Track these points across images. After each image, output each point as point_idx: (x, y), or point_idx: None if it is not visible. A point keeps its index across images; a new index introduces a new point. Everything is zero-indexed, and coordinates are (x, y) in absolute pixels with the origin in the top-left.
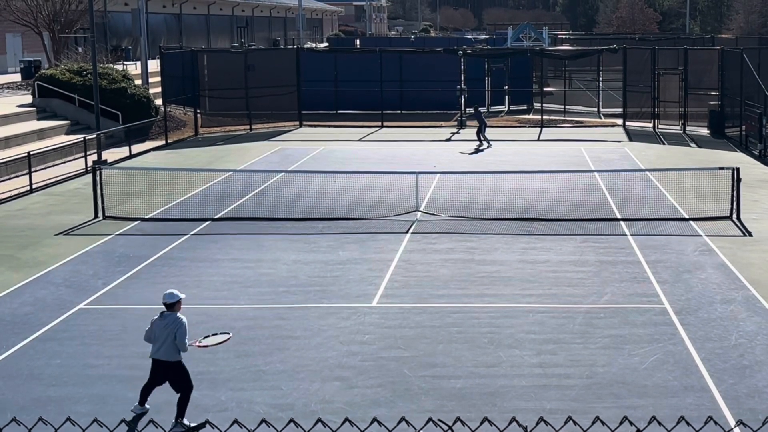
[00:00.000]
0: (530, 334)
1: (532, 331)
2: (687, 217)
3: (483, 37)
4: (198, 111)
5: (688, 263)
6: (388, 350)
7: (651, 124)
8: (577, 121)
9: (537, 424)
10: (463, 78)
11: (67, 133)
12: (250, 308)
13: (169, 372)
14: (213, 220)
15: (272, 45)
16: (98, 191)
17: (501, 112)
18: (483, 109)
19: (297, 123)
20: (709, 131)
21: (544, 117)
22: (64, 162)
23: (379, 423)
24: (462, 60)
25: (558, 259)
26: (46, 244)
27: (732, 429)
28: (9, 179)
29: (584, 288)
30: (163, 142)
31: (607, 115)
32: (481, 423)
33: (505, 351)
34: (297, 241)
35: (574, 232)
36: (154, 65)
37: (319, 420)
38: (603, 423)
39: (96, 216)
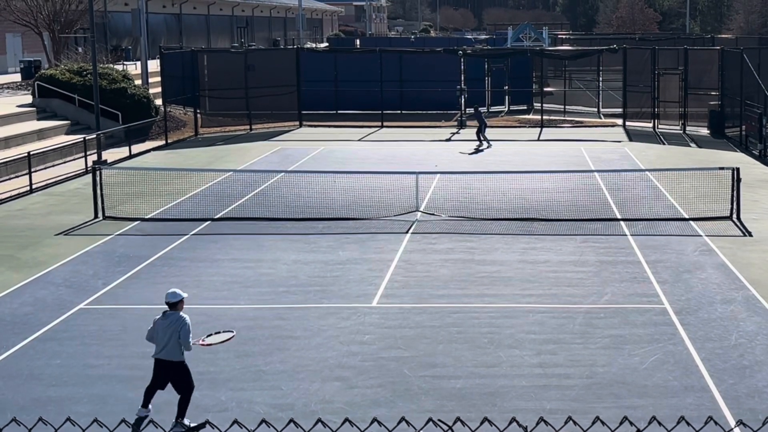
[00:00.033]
0: (530, 334)
1: (532, 331)
2: (687, 217)
3: (483, 37)
4: (198, 111)
5: (688, 263)
6: (388, 350)
7: (651, 124)
8: (577, 121)
9: (537, 424)
10: (463, 78)
11: (67, 133)
12: (250, 308)
13: (172, 372)
14: (213, 220)
15: (272, 45)
16: (98, 191)
17: (501, 112)
18: (483, 109)
19: (297, 123)
20: (709, 131)
21: (544, 117)
22: (64, 162)
23: (379, 423)
24: (462, 60)
25: (558, 259)
26: (46, 244)
27: (732, 429)
28: (9, 179)
29: (584, 288)
30: (163, 142)
31: (607, 115)
32: (481, 423)
33: (505, 351)
34: (297, 241)
35: (574, 232)
36: (154, 65)
37: (319, 420)
38: (603, 423)
39: (96, 216)
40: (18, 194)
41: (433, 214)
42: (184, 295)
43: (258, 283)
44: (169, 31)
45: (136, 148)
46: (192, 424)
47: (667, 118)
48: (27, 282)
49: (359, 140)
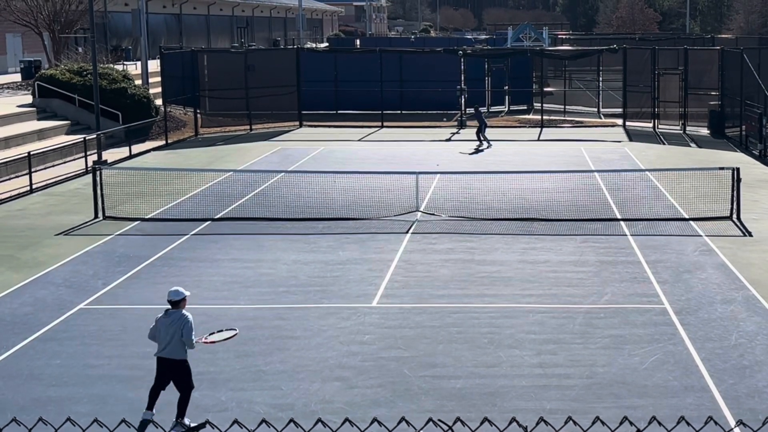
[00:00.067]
0: (530, 335)
1: (532, 331)
2: (687, 217)
3: (483, 37)
4: (198, 111)
5: (688, 263)
6: (388, 350)
7: (651, 124)
8: (577, 121)
9: (537, 424)
10: (463, 78)
11: (67, 134)
12: (250, 308)
13: (174, 370)
14: (213, 220)
15: (272, 45)
16: (98, 191)
17: (501, 112)
18: (483, 109)
19: (297, 123)
20: (709, 131)
21: (544, 117)
22: (64, 162)
23: (379, 423)
24: (462, 60)
25: (558, 260)
26: (46, 244)
27: (732, 429)
28: (9, 179)
29: (584, 288)
30: (163, 143)
31: (607, 115)
32: (481, 423)
33: (505, 351)
34: (297, 242)
35: (574, 233)
36: (154, 65)
37: (319, 420)
38: (603, 423)
39: (96, 216)
40: (18, 194)
41: (433, 214)
42: (187, 293)
43: (258, 283)
44: (169, 31)
45: (137, 148)
46: (192, 424)
47: (667, 118)
48: (27, 282)
49: (359, 140)
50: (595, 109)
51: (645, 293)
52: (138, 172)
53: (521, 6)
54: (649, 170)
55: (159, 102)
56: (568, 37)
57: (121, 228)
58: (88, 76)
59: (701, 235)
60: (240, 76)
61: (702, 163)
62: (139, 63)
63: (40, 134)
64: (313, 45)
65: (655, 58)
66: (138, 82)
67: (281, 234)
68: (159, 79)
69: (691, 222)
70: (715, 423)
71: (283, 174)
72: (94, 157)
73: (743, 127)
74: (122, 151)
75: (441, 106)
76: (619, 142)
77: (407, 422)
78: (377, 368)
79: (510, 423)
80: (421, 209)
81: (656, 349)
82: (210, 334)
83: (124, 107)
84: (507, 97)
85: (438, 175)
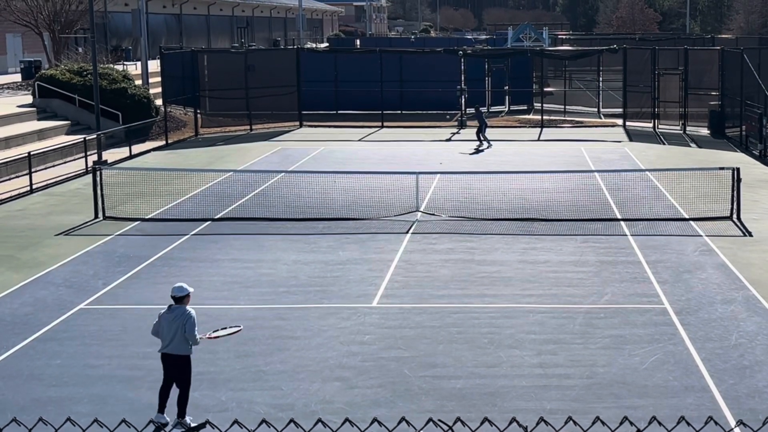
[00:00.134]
0: (530, 335)
1: (532, 331)
2: (687, 217)
3: (483, 37)
4: (198, 111)
5: (689, 263)
6: (389, 350)
7: (651, 125)
8: (577, 122)
9: (537, 424)
10: (463, 78)
11: (67, 134)
12: (251, 308)
13: (177, 366)
14: (213, 220)
15: (272, 45)
16: (98, 191)
17: (501, 112)
18: (483, 109)
19: (297, 123)
20: (709, 131)
21: (545, 117)
22: (65, 162)
23: (380, 423)
24: (462, 60)
25: (558, 260)
26: (46, 244)
27: (732, 429)
28: (9, 179)
29: (584, 288)
30: (163, 143)
31: (607, 116)
32: (482, 423)
33: (506, 351)
34: (297, 242)
35: (575, 233)
36: (154, 65)
37: (319, 420)
38: (603, 423)
39: (96, 216)
40: (18, 194)
41: (433, 215)
42: (190, 289)
43: (258, 283)
44: (169, 31)
45: (137, 148)
46: (192, 424)
47: (667, 118)
48: (27, 282)
49: (359, 140)
50: (595, 109)
51: (645, 293)
52: (138, 172)
53: (521, 6)
54: (649, 170)
55: (159, 102)
56: (568, 37)
57: (121, 228)
58: (88, 76)
59: (701, 235)
60: (240, 77)
61: (702, 163)
62: (139, 63)
63: (41, 134)
64: (313, 45)
65: (655, 58)
66: (138, 82)
67: (281, 234)
68: (159, 79)
69: (692, 222)
70: (716, 423)
71: (283, 174)
72: (95, 158)
73: (743, 127)
74: (122, 152)
75: (441, 106)
76: (619, 142)
77: (407, 422)
78: (377, 368)
79: (510, 423)
80: (421, 209)
81: (656, 349)
82: (214, 331)
83: (124, 107)
84: (507, 97)
85: (438, 175)
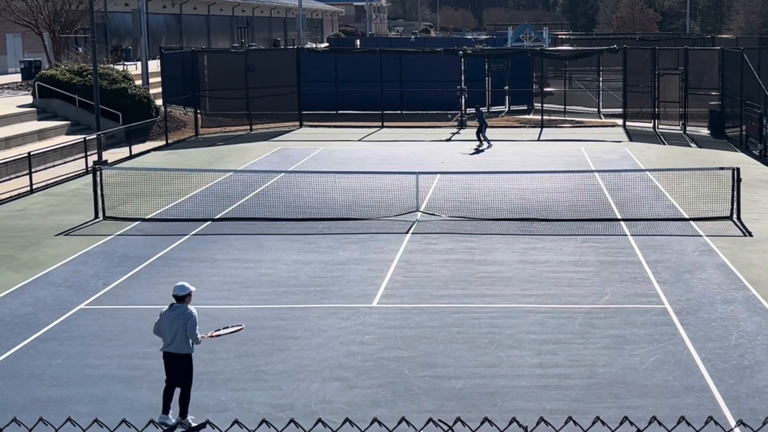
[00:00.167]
0: (530, 335)
1: (532, 331)
2: (687, 217)
3: (483, 37)
4: (198, 111)
5: (689, 263)
6: (389, 350)
7: (651, 125)
8: (578, 122)
9: (537, 424)
10: (463, 78)
11: (67, 134)
12: (251, 308)
13: (178, 364)
14: (213, 220)
15: (272, 45)
16: (98, 191)
17: (501, 112)
18: (484, 109)
19: (297, 123)
20: (709, 131)
21: (545, 117)
22: (65, 162)
23: (380, 423)
24: (462, 60)
25: (558, 260)
26: (46, 244)
27: (732, 429)
28: (9, 179)
29: (584, 288)
30: (163, 143)
31: (607, 116)
32: (482, 423)
33: (506, 351)
34: (297, 242)
35: (575, 233)
36: (154, 65)
37: (319, 420)
38: (603, 423)
39: (96, 216)
40: (18, 194)
41: (433, 215)
42: (192, 288)
43: (258, 283)
44: (169, 31)
45: (137, 148)
46: (194, 424)
47: (667, 118)
48: (27, 282)
49: (359, 140)
50: (595, 109)
51: (645, 293)
52: (138, 173)
53: (521, 6)
54: (649, 170)
55: (159, 102)
56: (568, 37)
57: (121, 228)
58: (89, 76)
59: (701, 235)
60: (240, 77)
61: (702, 163)
62: (139, 63)
63: (41, 134)
64: (314, 45)
65: (655, 58)
66: (138, 82)
67: (281, 234)
68: (159, 79)
69: (692, 222)
70: (716, 423)
71: (283, 174)
72: (95, 158)
73: (743, 127)
74: (122, 152)
75: (441, 106)
76: (620, 142)
77: (407, 422)
78: (377, 368)
79: (510, 423)
80: (422, 209)
81: (656, 349)
82: (216, 330)
83: (124, 107)
84: (507, 97)
85: (438, 175)
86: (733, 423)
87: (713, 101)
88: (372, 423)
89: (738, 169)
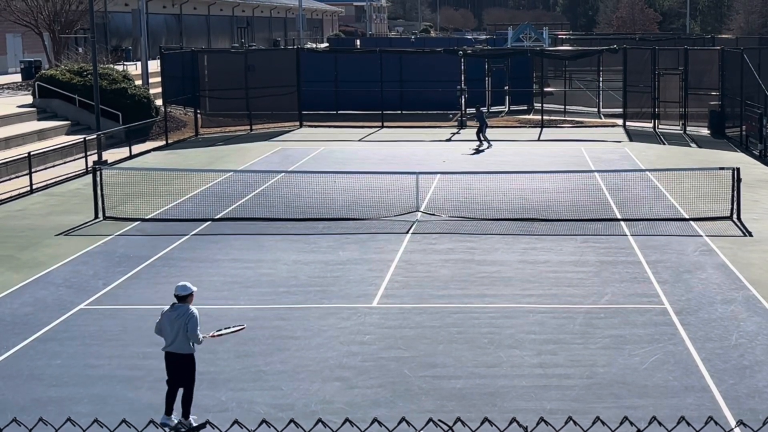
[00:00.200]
0: (530, 335)
1: (532, 331)
2: (687, 217)
3: (483, 37)
4: (198, 111)
5: (689, 263)
6: (389, 350)
7: (651, 125)
8: (578, 122)
9: (537, 424)
10: (463, 78)
11: (67, 134)
12: (251, 308)
13: (180, 364)
14: (213, 220)
15: (272, 45)
16: (98, 192)
17: (501, 112)
18: (484, 109)
19: (297, 123)
20: (709, 131)
21: (545, 117)
22: (65, 162)
23: (380, 423)
24: (462, 60)
25: (558, 260)
26: (46, 244)
27: (732, 429)
28: (9, 180)
29: (584, 288)
30: (163, 143)
31: (607, 116)
32: (482, 423)
33: (506, 351)
34: (297, 242)
35: (575, 233)
36: (154, 66)
37: (319, 420)
38: (603, 423)
39: (96, 216)
40: (18, 194)
41: (433, 215)
42: (194, 288)
43: (258, 283)
44: (169, 31)
45: (137, 148)
46: (195, 424)
47: (667, 118)
48: (27, 282)
49: (359, 140)
50: (596, 109)
51: (645, 293)
52: (138, 173)
53: (521, 6)
54: (650, 170)
55: (159, 102)
56: (568, 37)
57: (121, 228)
58: (89, 76)
59: (701, 235)
60: (240, 77)
61: (702, 163)
62: (139, 63)
63: (41, 134)
64: (314, 45)
65: (656, 58)
66: (138, 82)
67: (281, 234)
68: (159, 79)
69: (692, 222)
70: (716, 423)
71: (283, 174)
72: (95, 158)
73: (743, 127)
74: (122, 152)
75: (441, 106)
76: (620, 142)
77: (407, 422)
78: (377, 368)
79: (510, 423)
80: (422, 209)
81: (656, 349)
82: (217, 331)
83: (124, 107)
84: (507, 97)
85: (438, 176)
86: (733, 423)
87: (713, 101)
88: (372, 423)
89: (738, 169)
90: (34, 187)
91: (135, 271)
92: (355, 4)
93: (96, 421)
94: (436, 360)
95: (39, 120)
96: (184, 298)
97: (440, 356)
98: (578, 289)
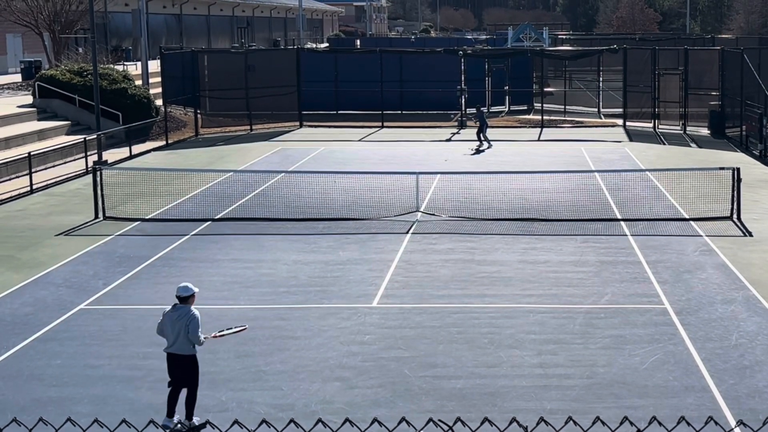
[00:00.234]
0: (531, 335)
1: (532, 331)
2: (687, 217)
3: (483, 37)
4: (198, 111)
5: (689, 263)
6: (389, 350)
7: (651, 125)
8: (578, 122)
9: (537, 424)
10: (463, 78)
11: (67, 134)
12: (251, 308)
13: (182, 366)
14: (213, 220)
15: (272, 45)
16: (99, 192)
17: (501, 112)
18: (484, 109)
19: (297, 123)
20: (709, 131)
21: (545, 117)
22: (65, 162)
23: (380, 423)
24: (462, 60)
25: (558, 260)
26: (46, 244)
27: (732, 429)
28: (9, 180)
29: (585, 288)
30: (163, 143)
31: (607, 116)
32: (482, 423)
33: (506, 351)
34: (297, 242)
35: (575, 233)
36: (154, 66)
37: (319, 420)
38: (603, 423)
39: (96, 216)
40: (18, 195)
41: (433, 215)
42: (196, 290)
43: (258, 283)
44: (169, 31)
45: (137, 148)
46: (196, 423)
47: (667, 118)
48: (27, 282)
49: (359, 140)
50: (596, 109)
51: (645, 293)
52: (138, 173)
53: (521, 6)
54: (650, 170)
55: (159, 102)
56: (568, 37)
57: (121, 228)
58: (89, 76)
59: (701, 235)
60: (240, 77)
61: (702, 163)
62: (139, 63)
63: (41, 134)
64: (314, 45)
65: (656, 58)
66: (138, 82)
67: (282, 234)
68: (159, 79)
69: (692, 222)
70: (716, 423)
71: (283, 174)
72: (95, 158)
73: (743, 127)
74: (122, 152)
75: (441, 106)
76: (620, 142)
77: (407, 422)
78: (377, 368)
79: (510, 423)
80: (422, 209)
81: (657, 349)
82: (219, 332)
83: (124, 107)
84: (507, 97)
85: (438, 176)
86: (733, 423)
87: (713, 101)
88: (372, 423)
89: (738, 169)
90: (35, 187)
91: (135, 271)
92: (355, 4)
93: (96, 421)
94: (436, 360)
95: (39, 120)
96: (185, 299)
97: (440, 356)
98: (578, 289)
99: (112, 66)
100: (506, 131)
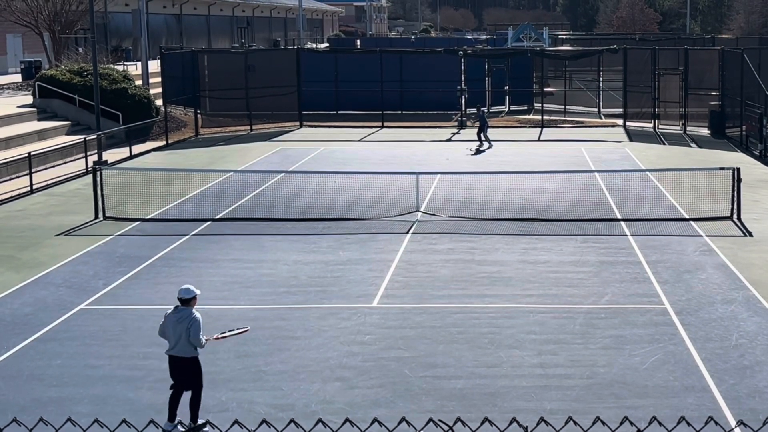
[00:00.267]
0: (531, 335)
1: (532, 331)
2: (687, 217)
3: (483, 37)
4: (198, 111)
5: (689, 263)
6: (389, 351)
7: (651, 125)
8: (578, 122)
9: (537, 424)
10: (463, 78)
11: (67, 134)
12: (251, 309)
13: (184, 368)
14: (213, 220)
15: (273, 45)
16: (99, 192)
17: (501, 112)
18: (484, 110)
19: (297, 123)
20: (709, 131)
21: (545, 117)
22: (65, 162)
23: (380, 423)
24: (462, 60)
25: (558, 260)
26: (46, 244)
27: (732, 429)
28: (9, 180)
29: (585, 288)
30: (163, 143)
31: (607, 116)
32: (482, 423)
33: (506, 351)
34: (297, 242)
35: (575, 233)
36: (154, 66)
37: (319, 420)
38: (603, 423)
39: (96, 216)
40: (19, 195)
41: (433, 215)
42: (198, 292)
43: (258, 283)
44: (169, 31)
45: (137, 148)
46: (195, 425)
47: (667, 118)
48: (27, 282)
49: (360, 140)
50: (596, 110)
51: (645, 293)
52: (138, 173)
53: (521, 6)
54: (650, 170)
55: (159, 102)
56: (568, 37)
57: (121, 228)
58: (89, 76)
59: (702, 236)
60: (240, 77)
61: (702, 164)
62: (139, 63)
63: (41, 135)
64: (314, 45)
65: (656, 58)
66: (138, 82)
67: (282, 234)
68: (159, 79)
69: (692, 222)
70: (716, 423)
71: (283, 174)
72: (95, 158)
73: (744, 127)
74: (123, 152)
75: (441, 106)
76: (620, 142)
77: (408, 422)
78: (378, 368)
79: (510, 423)
80: (422, 209)
81: (657, 349)
82: (221, 333)
83: (124, 108)
84: (507, 97)
85: (438, 176)
86: (733, 423)
87: (713, 101)
88: (372, 423)
89: (738, 169)
90: (35, 187)
91: (135, 272)
92: (355, 4)
93: (96, 421)
94: (436, 360)
95: (39, 120)
96: (187, 301)
97: (440, 356)
98: (578, 289)
99: (112, 66)
100: (506, 131)
